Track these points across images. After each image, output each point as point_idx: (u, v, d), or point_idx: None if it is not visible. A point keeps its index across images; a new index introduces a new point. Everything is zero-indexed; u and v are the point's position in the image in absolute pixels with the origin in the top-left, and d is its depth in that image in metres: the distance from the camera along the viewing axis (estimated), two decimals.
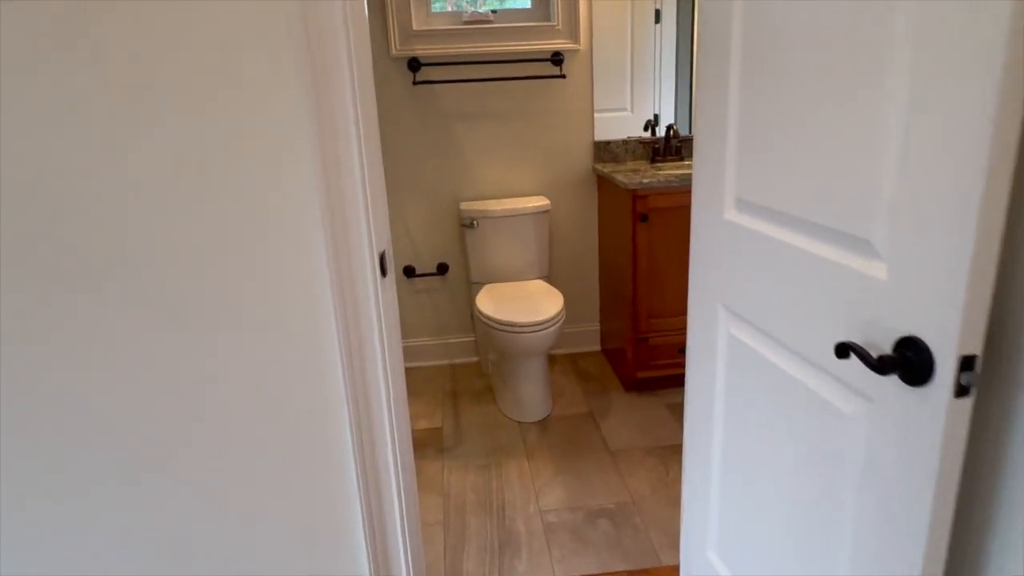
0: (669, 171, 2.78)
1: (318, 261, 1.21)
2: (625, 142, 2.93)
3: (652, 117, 3.01)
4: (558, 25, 2.76)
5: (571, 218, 3.02)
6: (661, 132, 2.96)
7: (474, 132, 2.85)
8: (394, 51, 2.70)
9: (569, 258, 3.07)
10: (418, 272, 3.00)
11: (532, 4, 2.83)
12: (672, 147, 2.88)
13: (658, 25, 2.93)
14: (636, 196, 2.46)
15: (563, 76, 2.77)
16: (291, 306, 1.19)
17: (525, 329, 2.36)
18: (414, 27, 2.71)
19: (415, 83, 2.72)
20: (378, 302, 1.36)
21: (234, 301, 1.17)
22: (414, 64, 2.73)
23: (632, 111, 2.96)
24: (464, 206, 2.81)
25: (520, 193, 2.96)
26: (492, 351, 2.94)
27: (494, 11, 2.81)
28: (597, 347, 3.22)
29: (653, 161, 2.88)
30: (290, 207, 1.15)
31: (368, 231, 1.33)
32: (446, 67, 2.77)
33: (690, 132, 2.98)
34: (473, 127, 2.85)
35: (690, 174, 2.41)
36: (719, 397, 1.36)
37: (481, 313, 2.49)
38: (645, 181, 2.44)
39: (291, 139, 1.13)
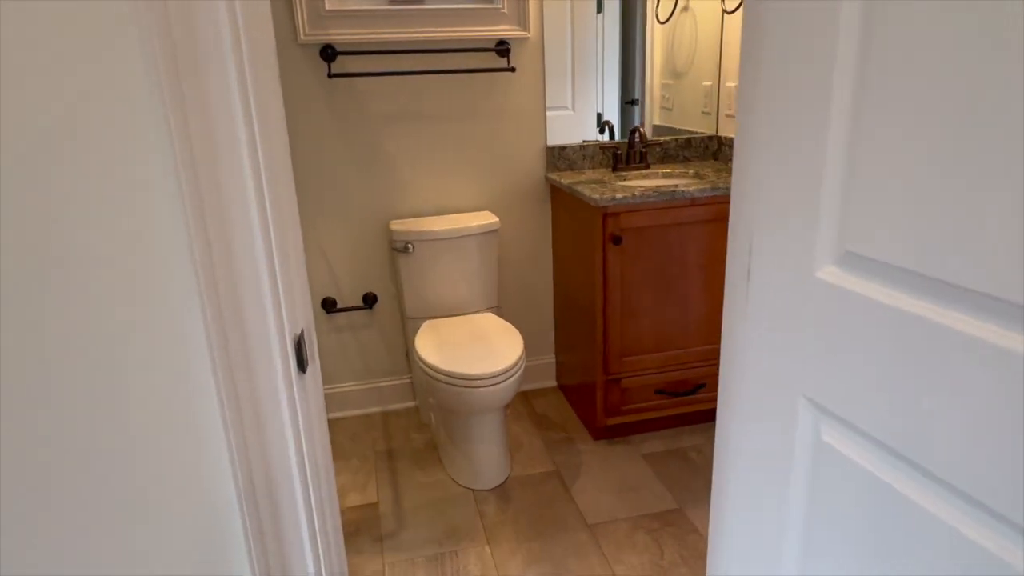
0: (639, 182, 2.39)
1: (196, 357, 0.72)
2: (583, 147, 2.52)
3: (596, 116, 2.61)
4: (503, 8, 2.31)
5: (522, 237, 2.58)
6: (619, 135, 2.57)
7: (406, 136, 2.37)
8: (302, 36, 2.18)
9: (519, 283, 2.64)
10: (339, 306, 2.48)
11: None
12: (636, 153, 2.49)
13: (600, 15, 2.53)
14: (607, 215, 2.05)
15: (511, 69, 2.32)
16: (160, 430, 0.69)
17: (479, 383, 1.90)
18: (327, 6, 2.19)
19: (330, 75, 2.20)
20: (294, 411, 0.88)
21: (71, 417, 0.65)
22: (328, 53, 2.21)
23: (574, 110, 2.55)
24: (396, 226, 2.31)
25: (462, 209, 2.50)
26: (436, 404, 2.47)
27: None
28: (552, 382, 2.80)
29: (616, 169, 2.49)
30: (143, 279, 0.65)
31: (275, 304, 0.84)
32: (369, 57, 2.27)
33: (649, 137, 2.60)
34: (405, 130, 2.36)
35: (670, 187, 2.04)
36: (791, 534, 0.96)
37: (423, 362, 2.01)
38: (618, 196, 2.03)
39: (142, 173, 0.64)
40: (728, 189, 2.11)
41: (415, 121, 2.36)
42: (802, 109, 0.87)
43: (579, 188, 2.18)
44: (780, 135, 0.92)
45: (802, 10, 0.83)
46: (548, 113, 2.48)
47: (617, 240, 2.08)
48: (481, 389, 1.91)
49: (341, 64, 2.25)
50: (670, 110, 2.70)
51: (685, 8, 2.56)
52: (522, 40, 2.37)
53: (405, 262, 2.31)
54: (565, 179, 2.36)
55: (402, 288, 2.36)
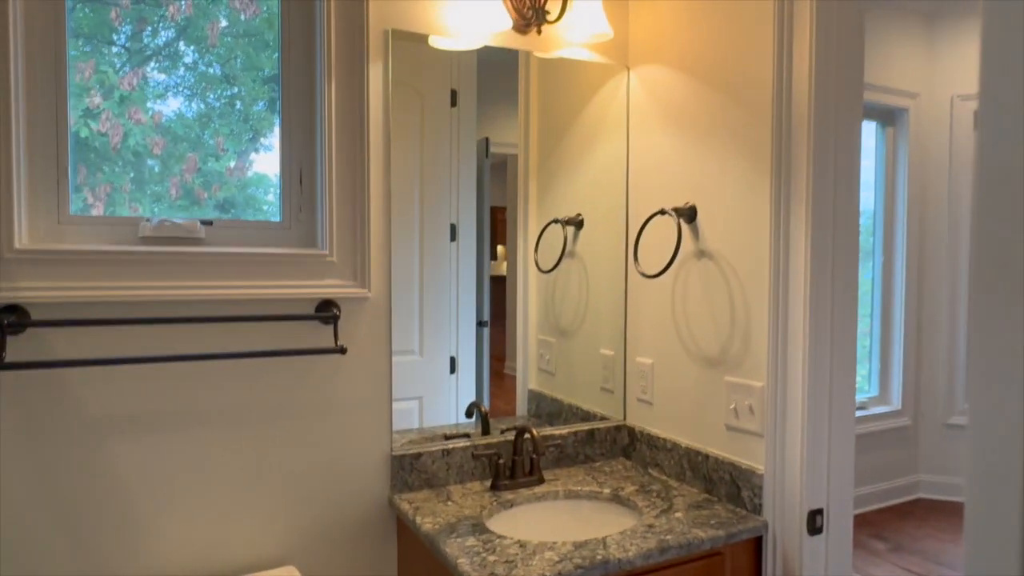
0: (535, 518, 1.57)
1: None
2: (446, 453, 1.69)
3: (450, 361, 1.84)
4: (331, 255, 1.54)
5: None
6: (473, 377, 1.79)
7: (149, 452, 1.40)
8: None
9: None
10: None
11: (284, 213, 1.59)
12: (524, 462, 1.69)
13: (454, 243, 1.86)
14: None
15: (341, 350, 1.50)
16: None
17: None
18: (19, 243, 1.28)
19: (1, 367, 1.22)
20: None
21: None
22: (12, 321, 1.26)
23: (422, 354, 1.77)
24: None
25: (245, 567, 1.50)
26: None
27: (207, 222, 1.51)
28: None
29: (496, 488, 1.66)
30: None
31: None
32: (98, 331, 1.35)
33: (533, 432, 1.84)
34: (148, 443, 1.40)
35: (591, 552, 1.21)
36: None
37: None
38: None
39: None
40: (691, 542, 1.35)
41: (167, 432, 1.41)
42: None
43: (444, 547, 1.31)
44: None
45: None
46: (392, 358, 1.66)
47: None
48: None
49: (36, 344, 1.30)
50: (552, 375, 1.99)
51: (571, 254, 1.96)
52: (359, 300, 1.59)
53: None
54: (422, 515, 1.48)
55: None
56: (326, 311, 1.53)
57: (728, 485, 1.56)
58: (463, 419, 1.82)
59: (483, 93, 1.84)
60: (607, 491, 1.65)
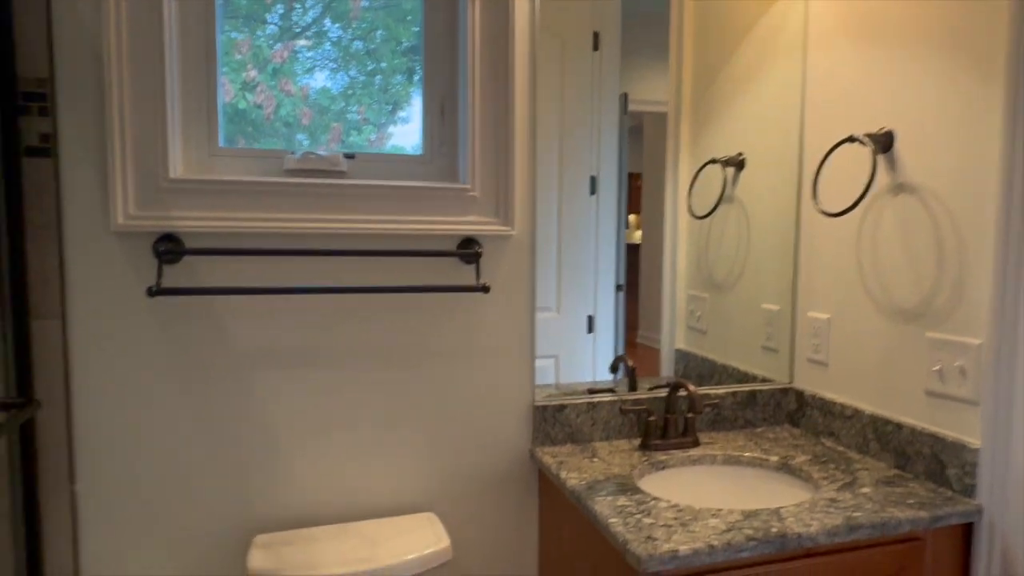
0: (691, 480, 1.42)
1: None
2: (591, 407, 1.57)
3: (587, 320, 1.70)
4: (473, 189, 1.44)
5: (491, 560, 1.54)
6: (612, 336, 1.64)
7: (293, 391, 1.38)
8: (120, 219, 1.25)
9: None
10: None
11: (426, 147, 1.52)
12: (678, 421, 1.53)
13: (594, 196, 1.69)
14: None
15: (484, 289, 1.41)
16: None
17: None
18: (173, 173, 1.29)
19: (153, 292, 1.23)
20: None
21: None
22: (168, 248, 1.27)
23: (559, 311, 1.64)
24: (260, 558, 1.26)
25: (384, 509, 1.46)
26: None
27: (350, 156, 1.46)
28: None
29: (647, 447, 1.51)
30: None
31: None
32: (240, 260, 1.34)
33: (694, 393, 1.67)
34: (292, 381, 1.38)
35: (764, 521, 1.04)
36: None
37: None
38: (682, 553, 1.04)
39: None
40: (886, 522, 1.14)
41: (310, 367, 1.39)
42: None
43: (593, 505, 1.19)
44: None
45: None
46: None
47: None
48: None
49: (187, 271, 1.31)
50: (703, 333, 1.80)
51: (729, 199, 1.75)
52: (502, 239, 1.48)
53: None
54: (567, 470, 1.37)
55: None
56: (468, 248, 1.44)
57: (928, 460, 1.32)
58: (602, 379, 1.68)
59: (624, 43, 1.66)
60: (774, 459, 1.45)
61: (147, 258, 1.28)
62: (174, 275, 1.30)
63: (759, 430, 1.67)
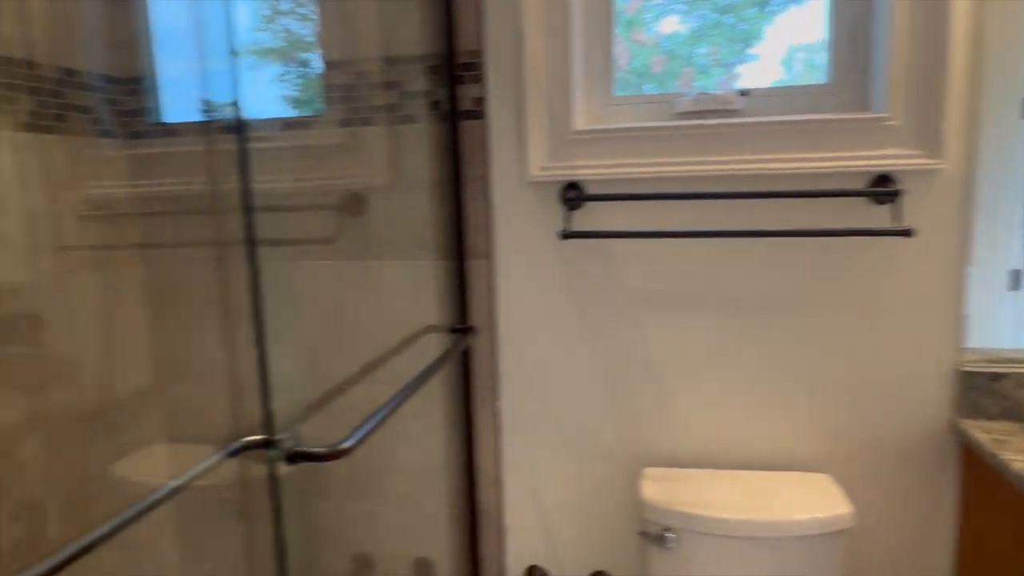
0: None
1: None
2: None
3: (1012, 275, 1.33)
4: (894, 119, 1.25)
5: (895, 541, 1.38)
6: None
7: (684, 334, 1.40)
8: (534, 171, 1.38)
9: None
10: None
11: (832, 75, 1.36)
12: None
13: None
14: None
15: (905, 233, 1.22)
16: None
17: None
18: (576, 125, 1.38)
19: (564, 236, 1.35)
20: None
21: None
22: (572, 195, 1.38)
23: (973, 262, 1.31)
24: (652, 489, 1.32)
25: (775, 462, 1.41)
26: None
27: (744, 92, 1.39)
28: None
29: None
30: None
31: None
32: (635, 206, 1.38)
33: None
34: (683, 324, 1.40)
35: None
36: None
37: None
38: None
39: None
40: None
41: (700, 312, 1.38)
42: None
43: None
44: None
45: None
46: None
47: None
48: None
49: (590, 214, 1.40)
50: None
51: None
52: (927, 174, 1.27)
53: (660, 560, 1.29)
54: (1011, 452, 1.14)
55: None
56: (882, 186, 1.26)
57: None
58: None
59: None
60: None
61: (554, 205, 1.41)
62: (577, 220, 1.41)
63: None
